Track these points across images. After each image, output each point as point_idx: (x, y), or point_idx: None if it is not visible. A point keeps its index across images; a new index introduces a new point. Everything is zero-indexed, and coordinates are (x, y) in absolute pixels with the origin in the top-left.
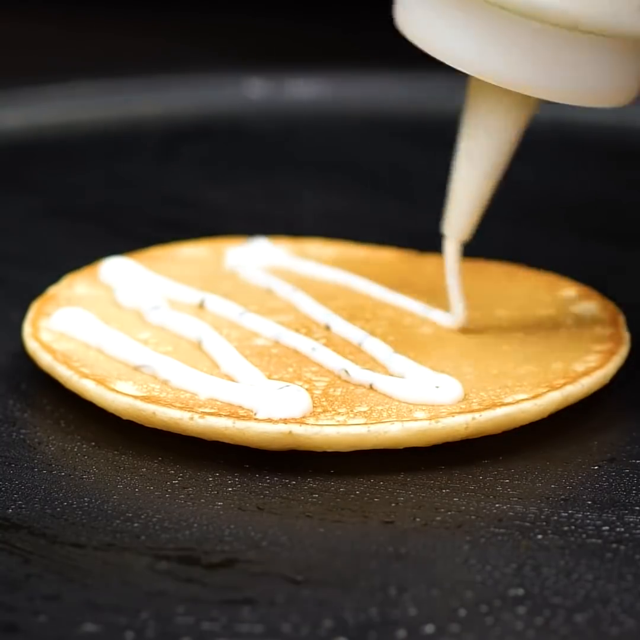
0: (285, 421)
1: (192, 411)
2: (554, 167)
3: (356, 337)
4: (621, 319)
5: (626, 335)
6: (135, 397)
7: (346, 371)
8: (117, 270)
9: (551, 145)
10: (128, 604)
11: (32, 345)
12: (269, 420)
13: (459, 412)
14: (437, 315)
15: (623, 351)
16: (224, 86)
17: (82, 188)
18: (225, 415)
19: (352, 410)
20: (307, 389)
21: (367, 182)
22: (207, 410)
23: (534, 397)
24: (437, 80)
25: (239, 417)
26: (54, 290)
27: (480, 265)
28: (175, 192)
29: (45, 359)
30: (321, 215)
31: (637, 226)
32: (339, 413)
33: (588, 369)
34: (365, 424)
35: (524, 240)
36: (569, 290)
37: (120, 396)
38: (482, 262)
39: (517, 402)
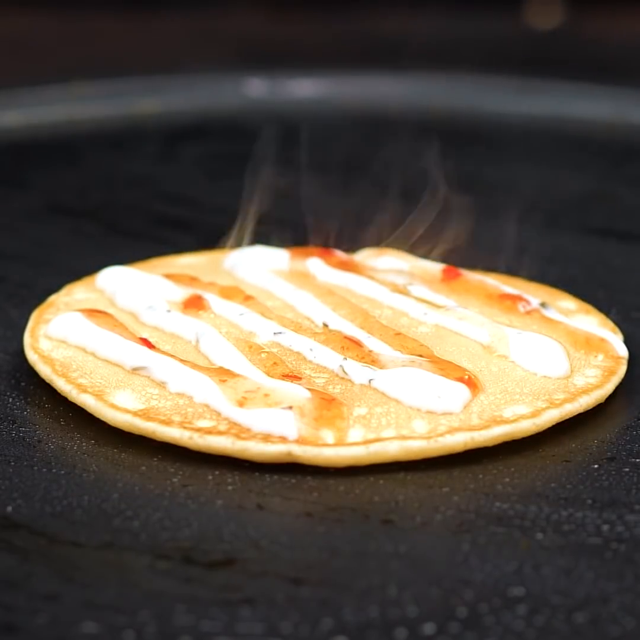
0: (283, 441)
1: (192, 430)
2: (554, 165)
3: (354, 336)
4: (620, 336)
5: (624, 353)
6: (134, 413)
7: (344, 369)
8: (114, 278)
9: (551, 143)
10: (128, 603)
11: (31, 357)
12: (268, 441)
13: (458, 429)
14: (435, 317)
15: (621, 371)
16: (223, 86)
17: (82, 188)
18: (224, 433)
19: (351, 414)
20: (305, 386)
21: (367, 182)
22: (206, 423)
23: (532, 415)
24: (437, 80)
25: (238, 437)
26: (53, 298)
27: (479, 274)
28: (175, 191)
29: (44, 371)
30: (321, 214)
31: (637, 224)
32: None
33: (587, 387)
34: (364, 443)
35: (526, 239)
36: (568, 302)
37: (119, 413)
38: (481, 271)
39: (516, 419)
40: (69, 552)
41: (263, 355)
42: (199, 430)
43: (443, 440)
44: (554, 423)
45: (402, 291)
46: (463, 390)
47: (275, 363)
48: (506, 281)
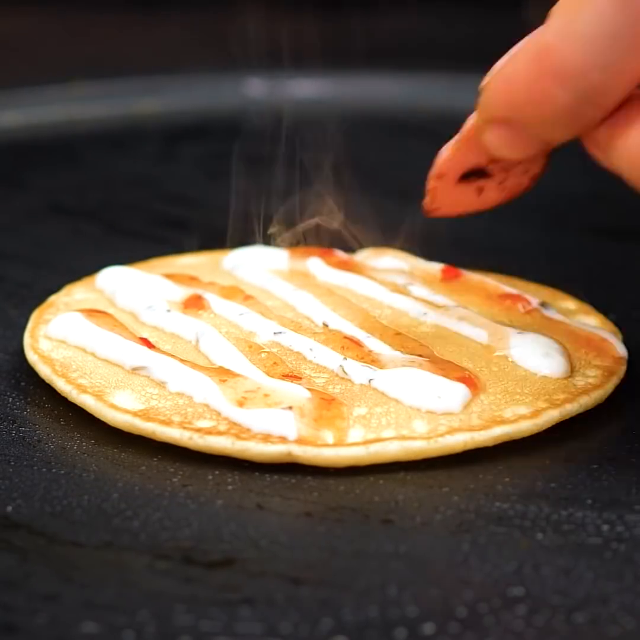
0: (283, 441)
1: (192, 430)
2: (554, 165)
3: (354, 336)
4: (619, 337)
5: (624, 353)
6: (134, 413)
7: (344, 369)
8: (113, 278)
9: None
10: (127, 603)
11: (31, 357)
12: (268, 441)
13: (458, 430)
14: (434, 317)
15: (621, 372)
16: (223, 86)
17: (82, 188)
18: (224, 433)
19: (351, 414)
20: (305, 386)
21: (367, 182)
22: (206, 423)
23: (533, 416)
24: (437, 80)
25: (238, 437)
26: (53, 298)
27: (479, 274)
28: (175, 190)
29: (44, 372)
30: (321, 214)
31: (637, 224)
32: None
33: (587, 387)
34: (364, 443)
35: (525, 238)
36: (568, 302)
37: (119, 414)
38: (482, 272)
39: (516, 419)
40: (69, 551)
41: (263, 355)
42: (199, 430)
43: (443, 441)
44: (554, 423)
45: (402, 291)
46: (463, 390)
47: (275, 363)
48: (506, 281)
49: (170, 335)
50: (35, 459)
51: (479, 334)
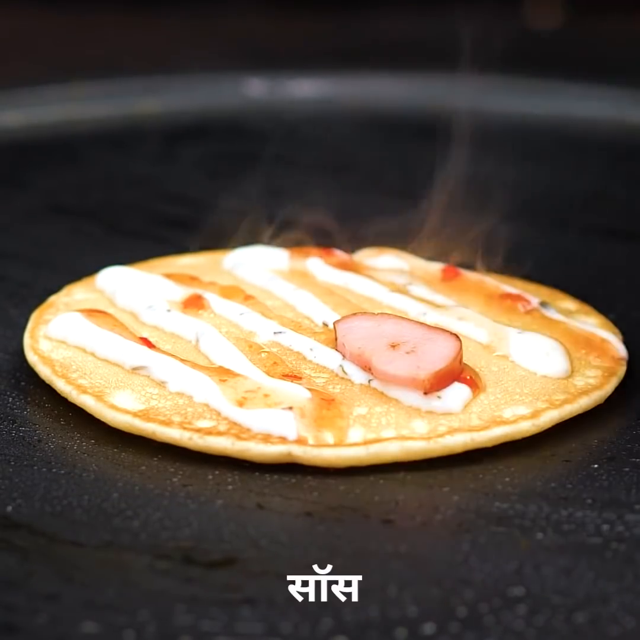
0: (283, 441)
1: (192, 431)
2: (555, 165)
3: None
4: (619, 337)
5: (624, 354)
6: (134, 414)
7: (344, 369)
8: (114, 278)
9: (551, 143)
10: (128, 603)
11: (31, 357)
12: (268, 441)
13: (458, 430)
14: (434, 317)
15: (621, 372)
16: (223, 86)
17: (82, 188)
18: (224, 433)
19: (351, 414)
20: (305, 386)
21: (367, 182)
22: (206, 424)
23: (532, 416)
24: (437, 80)
25: (238, 438)
26: (53, 298)
27: (479, 275)
28: (175, 190)
29: (44, 372)
30: (321, 214)
31: (637, 224)
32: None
33: (587, 387)
34: (364, 443)
35: (525, 238)
36: (568, 303)
37: (119, 414)
38: (481, 271)
39: (516, 420)
40: (69, 551)
41: (263, 354)
42: (198, 430)
43: (443, 441)
44: (553, 424)
45: (402, 291)
46: (463, 390)
47: (275, 363)
48: (506, 281)
49: (171, 335)
50: (35, 459)
51: (479, 333)
